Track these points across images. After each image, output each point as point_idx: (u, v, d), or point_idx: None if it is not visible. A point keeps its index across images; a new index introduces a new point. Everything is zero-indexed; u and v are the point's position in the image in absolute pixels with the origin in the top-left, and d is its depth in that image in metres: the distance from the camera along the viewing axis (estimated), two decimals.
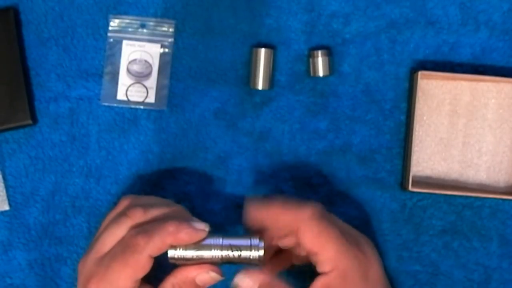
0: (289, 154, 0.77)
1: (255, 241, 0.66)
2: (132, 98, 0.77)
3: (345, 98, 0.77)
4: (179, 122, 0.77)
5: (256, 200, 0.68)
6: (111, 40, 0.77)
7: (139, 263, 0.64)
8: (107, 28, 0.77)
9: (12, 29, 0.76)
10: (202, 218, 0.67)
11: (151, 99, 0.77)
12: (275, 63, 0.77)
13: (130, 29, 0.77)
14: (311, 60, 0.76)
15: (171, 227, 0.64)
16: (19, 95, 0.75)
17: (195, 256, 0.65)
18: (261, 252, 0.66)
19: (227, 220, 0.77)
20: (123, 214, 0.68)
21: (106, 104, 0.77)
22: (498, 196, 0.75)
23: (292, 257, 0.72)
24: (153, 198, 0.72)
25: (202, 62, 0.78)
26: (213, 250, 0.65)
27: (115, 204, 0.72)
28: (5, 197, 0.76)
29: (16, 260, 0.77)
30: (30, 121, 0.76)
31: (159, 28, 0.77)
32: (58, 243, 0.77)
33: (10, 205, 0.77)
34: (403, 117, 0.77)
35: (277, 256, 0.72)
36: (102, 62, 0.77)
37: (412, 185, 0.73)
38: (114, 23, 0.77)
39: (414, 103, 0.74)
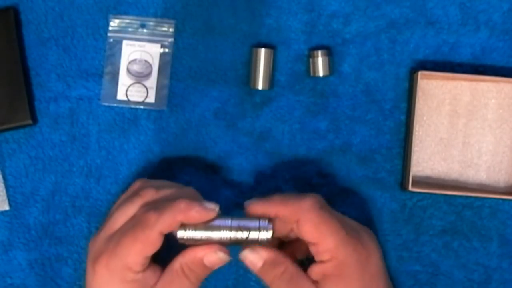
0: (289, 154, 0.77)
1: (264, 222, 0.66)
2: (132, 98, 0.77)
3: (345, 98, 0.77)
4: (179, 122, 0.77)
5: (256, 200, 0.69)
6: (111, 40, 0.77)
7: (150, 239, 0.64)
8: (107, 28, 0.77)
9: (12, 29, 0.76)
10: None
11: (151, 99, 0.77)
12: (275, 63, 0.77)
13: (130, 29, 0.77)
14: (311, 60, 0.77)
15: (182, 204, 0.65)
16: (19, 95, 0.75)
17: (204, 237, 0.66)
18: (270, 234, 0.66)
19: None
20: (135, 194, 0.69)
21: (106, 104, 0.77)
22: (498, 196, 0.75)
23: (295, 251, 0.72)
24: (165, 181, 0.72)
25: (202, 62, 0.78)
26: (222, 231, 0.66)
27: (115, 203, 0.72)
28: (5, 197, 0.77)
29: (17, 260, 0.77)
30: (30, 121, 0.76)
31: (159, 28, 0.77)
32: (58, 243, 0.77)
33: (10, 205, 0.77)
34: (403, 117, 0.77)
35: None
36: (102, 62, 0.77)
37: (412, 185, 0.73)
38: (114, 23, 0.77)
39: (414, 103, 0.74)
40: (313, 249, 0.67)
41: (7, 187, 0.77)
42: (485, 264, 0.77)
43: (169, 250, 0.67)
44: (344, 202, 0.77)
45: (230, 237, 0.66)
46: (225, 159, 0.77)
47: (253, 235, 0.66)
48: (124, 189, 0.76)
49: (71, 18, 0.78)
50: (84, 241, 0.77)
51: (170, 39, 0.77)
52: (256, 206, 0.68)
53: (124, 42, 0.77)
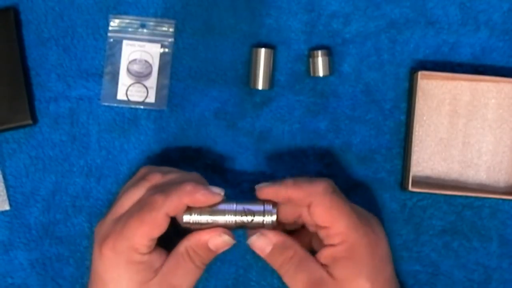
0: (289, 154, 0.77)
1: (269, 206, 0.67)
2: (132, 98, 0.77)
3: (345, 98, 0.77)
4: (179, 122, 0.77)
5: (267, 184, 0.69)
6: (111, 40, 0.77)
7: (156, 221, 0.65)
8: (107, 28, 0.77)
9: (12, 29, 0.76)
10: None
11: (151, 99, 0.77)
12: (275, 63, 0.77)
13: (130, 29, 0.77)
14: (311, 60, 0.77)
15: (188, 187, 0.66)
16: (19, 95, 0.75)
17: (209, 221, 0.67)
18: (274, 218, 0.67)
19: None
20: (142, 178, 0.70)
21: (106, 104, 0.77)
22: (498, 196, 0.75)
23: (299, 243, 0.72)
24: (170, 168, 0.72)
25: (202, 62, 0.78)
26: (227, 215, 0.67)
27: (122, 189, 0.73)
28: (5, 197, 0.77)
29: (17, 260, 0.77)
30: (30, 121, 0.76)
31: (159, 28, 0.77)
32: (59, 242, 0.77)
33: (10, 205, 0.77)
34: (403, 117, 0.77)
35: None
36: (102, 62, 0.77)
37: (412, 185, 0.74)
38: (114, 23, 0.77)
39: (414, 103, 0.74)
40: (323, 233, 0.67)
41: (7, 187, 0.77)
42: (485, 264, 0.77)
43: (175, 238, 0.68)
44: None
45: (235, 221, 0.67)
46: (225, 159, 0.77)
47: (258, 219, 0.67)
48: None
49: (71, 18, 0.78)
50: (85, 241, 0.77)
51: (170, 39, 0.77)
52: (267, 190, 0.68)
53: (124, 42, 0.77)
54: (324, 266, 0.67)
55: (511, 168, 0.76)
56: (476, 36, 0.78)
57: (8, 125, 0.76)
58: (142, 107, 0.77)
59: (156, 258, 0.67)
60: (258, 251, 0.68)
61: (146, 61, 0.77)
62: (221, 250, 0.68)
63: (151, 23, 0.77)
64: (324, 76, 0.77)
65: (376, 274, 0.66)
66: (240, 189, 0.77)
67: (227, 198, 0.68)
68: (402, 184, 0.76)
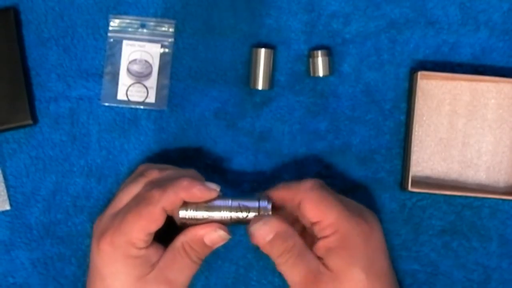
0: (289, 154, 0.77)
1: (264, 203, 0.68)
2: (132, 98, 0.77)
3: (345, 98, 0.77)
4: (179, 122, 0.77)
5: (263, 192, 0.71)
6: (111, 40, 0.77)
7: (153, 215, 0.66)
8: (107, 28, 0.77)
9: (12, 29, 0.76)
10: None
11: (151, 99, 0.77)
12: (275, 63, 0.77)
13: (130, 29, 0.77)
14: (311, 60, 0.77)
15: (185, 182, 0.67)
16: (19, 95, 0.75)
17: (205, 216, 0.68)
18: (269, 214, 0.68)
19: None
20: (140, 174, 0.71)
21: (106, 104, 0.77)
22: (498, 196, 0.75)
23: None
24: (168, 165, 0.73)
25: (202, 62, 0.78)
26: (222, 211, 0.68)
27: (120, 186, 0.74)
28: (6, 197, 0.77)
29: (19, 260, 0.77)
30: (30, 121, 0.76)
31: (159, 28, 0.77)
32: (60, 242, 0.77)
33: (11, 205, 0.77)
34: (402, 117, 0.77)
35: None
36: (102, 62, 0.77)
37: (412, 185, 0.74)
38: (114, 23, 0.77)
39: (414, 103, 0.74)
40: (316, 229, 0.68)
41: (7, 187, 0.77)
42: (485, 264, 0.77)
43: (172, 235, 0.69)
44: None
45: (230, 217, 0.68)
46: (225, 159, 0.77)
47: (253, 215, 0.68)
48: None
49: (71, 18, 0.78)
50: (87, 240, 0.77)
51: (170, 39, 0.77)
52: (262, 194, 0.70)
53: (124, 42, 0.77)
54: (319, 259, 0.67)
55: (511, 168, 0.77)
56: (476, 36, 0.78)
57: (8, 125, 0.76)
58: (142, 107, 0.77)
59: (153, 253, 0.68)
60: (257, 239, 0.67)
61: (146, 61, 0.77)
62: (216, 245, 0.69)
63: (151, 23, 0.77)
64: (324, 76, 0.77)
65: (370, 264, 0.67)
66: (240, 189, 0.77)
67: (224, 195, 0.69)
68: (402, 184, 0.76)
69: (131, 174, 0.76)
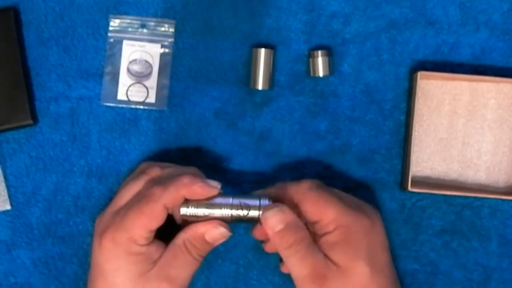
0: (289, 154, 0.78)
1: (264, 201, 0.68)
2: (132, 98, 0.77)
3: (344, 98, 0.78)
4: (179, 122, 0.78)
5: (260, 190, 0.72)
6: (112, 40, 0.77)
7: (154, 212, 0.66)
8: (108, 28, 0.77)
9: (13, 29, 0.76)
10: None
11: (152, 99, 0.77)
12: (275, 63, 0.77)
13: (130, 29, 0.77)
14: (311, 60, 0.77)
15: (186, 179, 0.67)
16: (19, 95, 0.75)
17: (206, 214, 0.68)
18: None
19: None
20: (141, 172, 0.71)
21: (106, 104, 0.77)
22: (498, 196, 0.75)
23: None
24: (169, 163, 0.74)
25: (202, 62, 0.78)
26: (223, 209, 0.68)
27: (122, 183, 0.75)
28: (6, 197, 0.77)
29: (20, 259, 0.77)
30: (30, 121, 0.76)
31: (159, 28, 0.77)
32: (61, 242, 0.77)
33: (11, 204, 0.77)
34: (402, 117, 0.77)
35: None
36: (102, 62, 0.77)
37: (412, 185, 0.74)
38: (115, 23, 0.77)
39: (414, 103, 0.74)
40: (317, 227, 0.68)
41: (8, 187, 0.77)
42: (484, 264, 0.77)
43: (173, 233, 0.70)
44: None
45: (231, 214, 0.68)
46: (225, 159, 0.78)
47: (254, 213, 0.68)
48: None
49: (71, 18, 0.78)
50: (88, 239, 0.77)
51: (170, 39, 0.77)
52: (260, 193, 0.71)
53: (125, 42, 0.77)
54: (324, 255, 0.67)
55: (511, 168, 0.77)
56: (476, 36, 0.78)
57: (8, 125, 0.76)
58: (142, 107, 0.77)
59: (154, 250, 0.68)
60: (268, 229, 0.67)
61: (146, 61, 0.77)
62: (217, 243, 0.69)
63: (151, 23, 0.77)
64: (324, 76, 0.77)
65: (373, 257, 0.67)
66: (241, 189, 0.77)
67: (224, 194, 0.69)
68: (402, 184, 0.76)
69: (132, 173, 0.76)
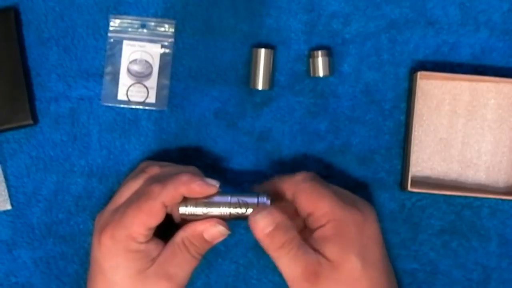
0: (289, 154, 0.78)
1: (263, 198, 0.69)
2: (132, 98, 0.77)
3: (344, 98, 0.78)
4: (179, 122, 0.78)
5: (257, 184, 0.74)
6: (112, 40, 0.77)
7: (153, 210, 0.67)
8: (108, 28, 0.77)
9: (13, 29, 0.76)
10: None
11: (152, 99, 0.77)
12: (275, 63, 0.77)
13: (130, 29, 0.77)
14: (311, 60, 0.77)
15: (185, 178, 0.67)
16: (19, 95, 0.76)
17: (204, 212, 0.69)
18: None
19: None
20: (141, 171, 0.72)
21: (106, 104, 0.77)
22: (497, 196, 0.75)
23: None
24: (169, 163, 0.74)
25: (202, 62, 0.78)
26: (221, 207, 0.69)
27: (122, 182, 0.75)
28: (6, 197, 0.77)
29: (21, 259, 0.77)
30: (31, 121, 0.76)
31: (159, 28, 0.77)
32: (62, 241, 0.77)
33: (12, 204, 0.77)
34: (402, 117, 0.78)
35: None
36: (102, 62, 0.77)
37: (411, 185, 0.74)
38: (115, 23, 0.77)
39: (414, 103, 0.74)
40: (311, 220, 0.68)
41: (9, 187, 0.77)
42: (484, 264, 0.77)
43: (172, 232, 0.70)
44: None
45: (229, 212, 0.69)
46: (225, 159, 0.78)
47: (252, 211, 0.68)
48: None
49: (71, 18, 0.78)
50: (89, 238, 0.76)
51: (170, 39, 0.77)
52: (257, 187, 0.73)
53: (125, 42, 0.77)
54: (316, 250, 0.67)
55: (511, 168, 0.77)
56: (476, 36, 0.77)
57: (8, 125, 0.76)
58: (142, 107, 0.77)
59: (153, 247, 0.69)
60: (257, 232, 0.67)
61: (146, 61, 0.77)
62: (216, 241, 0.69)
63: (151, 23, 0.77)
64: (324, 76, 0.77)
65: (365, 253, 0.67)
66: (240, 189, 0.77)
67: (223, 192, 0.69)
68: (402, 184, 0.77)
69: (131, 172, 0.77)
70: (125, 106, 0.77)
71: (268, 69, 0.76)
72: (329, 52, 0.76)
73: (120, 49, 0.77)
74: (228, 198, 0.69)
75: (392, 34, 0.77)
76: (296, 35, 0.78)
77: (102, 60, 0.78)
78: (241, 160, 0.78)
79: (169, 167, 0.72)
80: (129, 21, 0.77)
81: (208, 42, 0.78)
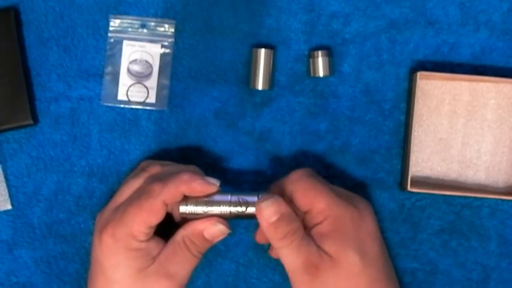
0: (289, 154, 0.78)
1: (263, 196, 0.68)
2: (132, 98, 0.77)
3: (344, 98, 0.78)
4: (179, 122, 0.78)
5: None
6: (112, 40, 0.77)
7: (154, 208, 0.67)
8: (108, 28, 0.77)
9: (13, 29, 0.76)
10: None
11: (152, 99, 0.77)
12: (275, 63, 0.77)
13: (130, 29, 0.77)
14: (311, 60, 0.77)
15: (185, 176, 0.68)
16: (20, 95, 0.76)
17: (205, 211, 0.69)
18: None
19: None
20: (142, 170, 0.72)
21: (106, 104, 0.77)
22: (497, 196, 0.75)
23: None
24: (170, 162, 0.74)
25: (202, 62, 0.78)
26: (222, 206, 0.69)
27: (123, 181, 0.75)
28: (7, 197, 0.77)
29: (22, 259, 0.77)
30: (31, 121, 0.76)
31: (159, 28, 0.77)
32: (63, 241, 0.78)
33: (12, 204, 0.77)
34: (402, 117, 0.78)
35: None
36: (102, 62, 0.78)
37: (411, 185, 0.74)
38: (115, 23, 0.77)
39: (414, 103, 0.74)
40: (308, 217, 0.69)
41: (9, 187, 0.77)
42: (484, 264, 0.77)
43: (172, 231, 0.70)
44: None
45: (230, 211, 0.69)
46: (225, 159, 0.78)
47: (252, 209, 0.69)
48: None
49: (71, 18, 0.78)
50: (90, 238, 0.77)
51: (170, 39, 0.77)
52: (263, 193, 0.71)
53: (125, 42, 0.77)
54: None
55: (510, 168, 0.77)
56: (476, 36, 0.77)
57: (9, 125, 0.76)
58: (142, 107, 0.77)
59: (154, 246, 0.69)
60: (263, 219, 0.67)
61: (146, 61, 0.77)
62: (216, 240, 0.70)
63: (152, 23, 0.77)
64: (324, 77, 0.77)
65: (363, 249, 0.68)
66: (241, 189, 0.77)
67: (223, 191, 0.70)
68: (401, 184, 0.77)
69: (132, 171, 0.77)
70: (125, 106, 0.77)
71: (268, 69, 0.76)
72: (329, 52, 0.76)
73: (120, 49, 0.77)
74: (228, 197, 0.69)
75: (392, 34, 0.77)
76: (296, 35, 0.78)
77: (102, 60, 0.78)
78: (241, 160, 0.78)
79: (170, 166, 0.72)
80: (129, 21, 0.77)
81: (208, 42, 0.78)
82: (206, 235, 0.69)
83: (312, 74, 0.77)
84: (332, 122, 0.78)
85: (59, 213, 0.77)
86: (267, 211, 0.67)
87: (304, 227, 0.70)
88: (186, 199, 0.69)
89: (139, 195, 0.68)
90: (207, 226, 0.69)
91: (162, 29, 0.77)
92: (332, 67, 0.77)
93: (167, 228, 0.70)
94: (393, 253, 0.77)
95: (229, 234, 0.70)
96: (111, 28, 0.77)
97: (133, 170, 0.77)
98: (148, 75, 0.77)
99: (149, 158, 0.77)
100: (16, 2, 0.77)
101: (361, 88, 0.78)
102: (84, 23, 0.78)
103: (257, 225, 0.72)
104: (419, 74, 0.74)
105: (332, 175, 0.77)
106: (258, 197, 0.69)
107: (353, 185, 0.77)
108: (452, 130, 0.77)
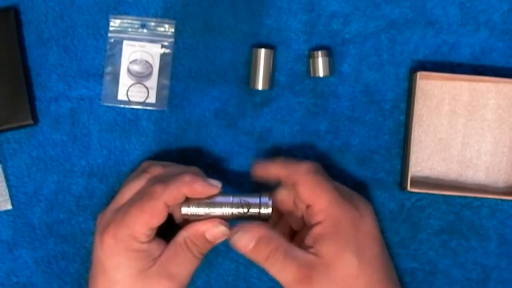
0: (289, 154, 0.78)
1: (265, 199, 0.69)
2: (132, 98, 0.77)
3: (344, 99, 0.78)
4: (179, 122, 0.78)
5: (261, 161, 0.73)
6: (112, 40, 0.77)
7: (155, 210, 0.67)
8: (108, 28, 0.77)
9: (13, 29, 0.76)
10: None
11: (152, 99, 0.77)
12: (275, 63, 0.77)
13: (130, 29, 0.77)
14: (311, 60, 0.77)
15: (187, 178, 0.68)
16: (20, 95, 0.76)
17: (206, 213, 0.69)
18: (270, 210, 0.69)
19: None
20: (143, 170, 0.72)
21: (107, 104, 0.77)
22: (497, 196, 0.75)
23: (291, 221, 0.73)
24: (171, 163, 0.75)
25: (202, 62, 0.78)
26: (223, 208, 0.69)
27: (124, 182, 0.75)
28: (7, 197, 0.77)
29: (22, 259, 0.78)
30: (31, 121, 0.76)
31: (159, 28, 0.77)
32: (63, 241, 0.78)
33: (13, 204, 0.77)
34: (402, 118, 0.78)
35: (276, 223, 0.74)
36: (102, 62, 0.78)
37: (411, 185, 0.74)
38: (115, 23, 0.77)
39: (414, 104, 0.74)
40: (308, 213, 0.69)
41: (9, 187, 0.77)
42: (483, 263, 0.78)
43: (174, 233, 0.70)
44: None
45: (231, 212, 0.69)
46: (225, 159, 0.78)
47: (254, 211, 0.69)
48: None
49: (71, 18, 0.78)
50: (90, 237, 0.77)
51: (171, 39, 0.77)
52: (260, 167, 0.72)
53: (125, 42, 0.77)
54: (310, 248, 0.67)
55: (510, 168, 0.77)
56: (475, 36, 0.77)
57: (9, 125, 0.76)
58: (142, 107, 0.77)
59: (155, 247, 0.69)
60: (241, 249, 0.68)
61: (146, 61, 0.77)
62: (218, 241, 0.70)
63: (152, 23, 0.77)
64: (324, 77, 0.77)
65: (362, 250, 0.67)
66: (241, 189, 0.77)
67: (224, 192, 0.70)
68: (401, 184, 0.77)
69: (133, 172, 0.77)
70: (125, 106, 0.77)
71: (268, 69, 0.76)
72: (329, 52, 0.76)
73: (120, 49, 0.77)
74: (230, 199, 0.69)
75: (392, 34, 0.77)
76: (296, 35, 0.78)
77: (102, 60, 0.78)
78: (241, 160, 0.78)
79: (172, 167, 0.72)
80: (129, 21, 0.77)
81: (208, 42, 0.78)
82: (208, 236, 0.69)
83: (312, 74, 0.77)
84: (332, 122, 0.78)
85: (60, 213, 0.78)
86: (241, 243, 0.68)
87: (303, 222, 0.71)
88: (187, 201, 0.69)
89: (141, 196, 0.69)
90: (209, 227, 0.69)
91: (162, 29, 0.77)
92: (332, 67, 0.77)
93: (168, 229, 0.70)
94: (393, 253, 0.77)
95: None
96: (111, 28, 0.77)
97: (133, 170, 0.77)
98: (148, 75, 0.77)
99: (149, 158, 0.77)
100: (16, 2, 0.77)
101: (361, 88, 0.78)
102: (84, 23, 0.78)
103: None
104: (419, 74, 0.74)
105: (332, 175, 0.76)
106: (259, 198, 0.69)
107: (353, 185, 0.77)
108: (452, 130, 0.77)
